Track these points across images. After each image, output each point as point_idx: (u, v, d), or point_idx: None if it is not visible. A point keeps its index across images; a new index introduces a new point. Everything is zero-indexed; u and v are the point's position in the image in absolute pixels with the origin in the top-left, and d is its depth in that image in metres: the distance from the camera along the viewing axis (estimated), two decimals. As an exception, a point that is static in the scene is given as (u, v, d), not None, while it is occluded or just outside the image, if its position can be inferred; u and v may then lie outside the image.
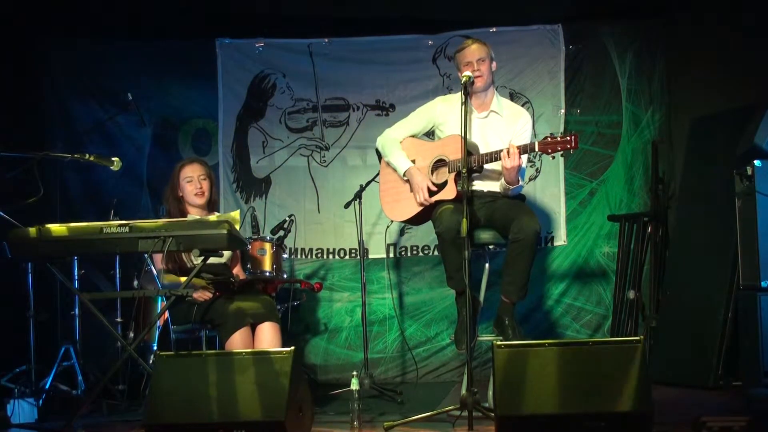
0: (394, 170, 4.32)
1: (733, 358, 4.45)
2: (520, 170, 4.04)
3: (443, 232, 3.96)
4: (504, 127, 4.22)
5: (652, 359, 4.79)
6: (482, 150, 4.09)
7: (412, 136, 4.35)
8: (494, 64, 4.22)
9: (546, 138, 3.91)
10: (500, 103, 4.28)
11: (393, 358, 5.53)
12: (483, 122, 4.22)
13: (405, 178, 4.26)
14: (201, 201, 4.40)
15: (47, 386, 4.44)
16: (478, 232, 4.11)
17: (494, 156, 4.00)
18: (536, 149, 3.94)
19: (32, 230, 3.77)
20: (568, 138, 3.87)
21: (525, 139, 4.16)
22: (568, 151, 3.94)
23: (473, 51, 4.16)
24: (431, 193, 4.17)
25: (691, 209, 5.07)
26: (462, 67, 4.17)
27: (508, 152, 3.91)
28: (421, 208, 4.22)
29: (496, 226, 4.12)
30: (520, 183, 4.11)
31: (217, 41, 5.72)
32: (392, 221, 4.80)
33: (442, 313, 5.54)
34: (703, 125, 5.15)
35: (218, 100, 5.75)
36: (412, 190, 4.21)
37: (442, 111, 4.30)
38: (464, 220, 3.59)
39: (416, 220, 4.37)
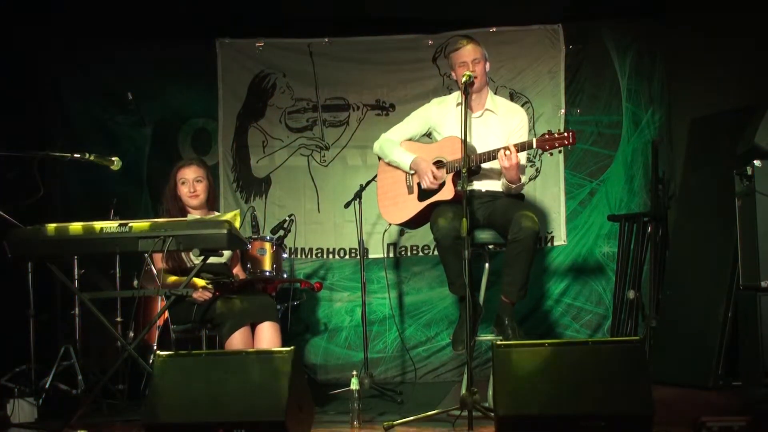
0: (398, 167, 4.31)
1: (733, 358, 4.45)
2: (520, 168, 4.04)
3: (442, 238, 3.97)
4: (500, 125, 4.22)
5: (652, 359, 4.79)
6: (480, 149, 4.09)
7: (409, 139, 4.35)
8: (488, 64, 4.23)
9: (544, 135, 3.93)
10: (495, 101, 4.29)
11: (393, 357, 5.53)
12: (479, 121, 4.22)
13: (412, 171, 4.25)
14: (194, 203, 4.43)
15: (47, 386, 4.44)
16: (477, 232, 4.11)
17: (492, 155, 4.00)
18: (534, 146, 3.94)
19: (32, 230, 3.77)
20: (566, 134, 3.88)
21: (522, 136, 4.17)
22: (566, 147, 3.95)
23: (468, 51, 4.16)
24: (431, 192, 4.17)
25: (691, 209, 5.07)
26: (456, 68, 4.18)
27: (505, 151, 3.92)
28: (419, 210, 4.22)
29: (495, 227, 4.12)
30: (522, 181, 4.11)
31: (217, 41, 5.72)
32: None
33: (442, 313, 5.54)
34: (703, 125, 5.15)
35: (218, 100, 5.76)
36: (419, 180, 4.20)
37: (437, 113, 4.30)
38: (464, 219, 3.59)
39: (414, 223, 4.37)
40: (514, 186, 4.07)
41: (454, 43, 4.30)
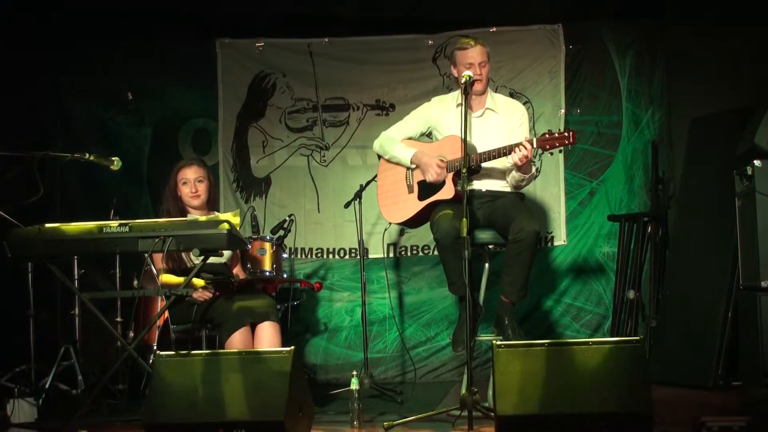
0: (398, 163, 4.30)
1: (733, 358, 4.45)
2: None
3: (441, 238, 3.97)
4: (500, 123, 4.23)
5: (652, 359, 4.79)
6: (480, 149, 4.09)
7: (409, 138, 4.35)
8: (489, 65, 4.23)
9: (544, 134, 3.94)
10: (495, 99, 4.29)
11: (393, 357, 5.53)
12: (479, 121, 4.22)
13: (413, 165, 4.25)
14: (196, 203, 4.43)
15: (47, 386, 4.44)
16: (477, 232, 4.11)
17: (492, 154, 4.01)
18: (534, 146, 3.95)
19: (32, 230, 3.78)
20: (567, 134, 3.89)
21: (523, 132, 4.18)
22: (566, 147, 3.95)
23: (477, 53, 4.15)
24: (431, 191, 4.17)
25: (691, 209, 5.07)
26: (460, 66, 4.17)
27: (519, 148, 3.90)
28: (419, 209, 4.22)
29: (495, 227, 4.12)
30: (532, 171, 4.13)
31: (217, 41, 5.72)
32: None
33: (442, 312, 5.54)
34: (703, 125, 5.15)
35: (218, 100, 5.76)
36: (423, 174, 4.19)
37: (438, 112, 4.30)
38: (464, 219, 3.59)
39: (414, 222, 4.36)
40: (526, 176, 4.09)
41: (457, 41, 4.30)
